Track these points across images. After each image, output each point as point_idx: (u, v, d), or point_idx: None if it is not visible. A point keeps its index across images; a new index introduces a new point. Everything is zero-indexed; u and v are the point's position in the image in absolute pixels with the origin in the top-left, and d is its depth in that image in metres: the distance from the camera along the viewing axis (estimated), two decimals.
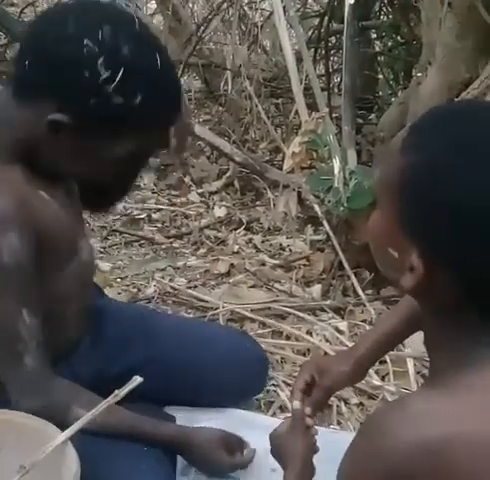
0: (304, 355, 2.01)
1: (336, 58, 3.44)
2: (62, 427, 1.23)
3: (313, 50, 3.19)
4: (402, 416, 0.77)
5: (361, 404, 1.82)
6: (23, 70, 1.23)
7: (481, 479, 0.73)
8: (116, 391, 1.22)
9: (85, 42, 1.16)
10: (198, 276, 2.43)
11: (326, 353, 1.97)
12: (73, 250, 1.41)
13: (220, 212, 2.87)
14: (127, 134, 1.26)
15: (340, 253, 2.26)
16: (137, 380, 1.23)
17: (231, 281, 2.36)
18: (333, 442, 1.24)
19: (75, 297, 1.45)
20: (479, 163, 0.75)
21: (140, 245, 2.66)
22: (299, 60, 2.52)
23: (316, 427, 1.28)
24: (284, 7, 2.38)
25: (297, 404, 1.27)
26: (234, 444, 1.49)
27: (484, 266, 0.76)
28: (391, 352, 1.67)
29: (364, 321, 2.14)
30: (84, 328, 1.54)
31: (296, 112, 2.50)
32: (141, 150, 1.32)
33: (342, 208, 2.05)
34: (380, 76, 3.54)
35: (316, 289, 2.29)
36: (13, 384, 1.31)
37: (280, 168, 2.72)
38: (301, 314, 2.16)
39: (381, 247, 0.85)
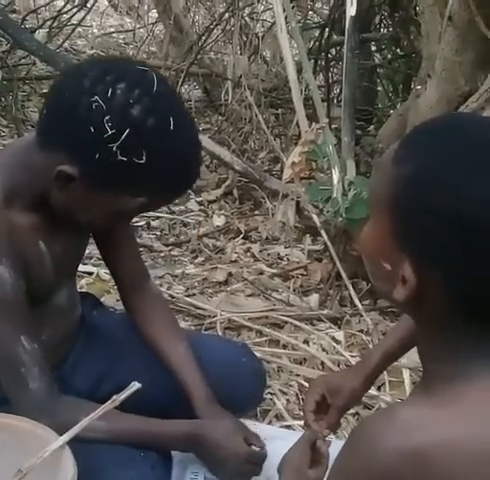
0: (301, 364, 2.01)
1: (336, 70, 3.46)
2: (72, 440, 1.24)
3: (313, 61, 3.21)
4: (390, 424, 0.77)
5: (357, 414, 1.83)
6: (42, 118, 1.27)
7: None
8: (114, 396, 1.23)
9: (95, 98, 1.18)
10: (196, 284, 2.43)
11: (323, 363, 1.98)
12: (46, 298, 1.43)
13: (219, 221, 2.88)
14: (137, 190, 1.27)
15: (338, 263, 2.26)
16: (135, 386, 1.24)
17: (229, 289, 2.37)
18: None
19: (45, 330, 1.45)
20: (471, 173, 0.76)
21: None
22: (299, 71, 2.54)
23: None
24: (286, 18, 2.40)
25: (327, 432, 1.28)
26: (251, 436, 1.44)
27: (478, 275, 0.76)
28: None
29: (361, 331, 2.15)
30: (62, 352, 1.56)
31: (296, 122, 2.52)
32: (154, 203, 1.34)
33: (340, 218, 2.06)
34: (379, 88, 3.57)
35: (313, 299, 2.30)
36: (22, 407, 1.33)
37: (279, 178, 2.74)
38: (298, 323, 2.17)
39: (374, 260, 0.85)
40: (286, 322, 2.18)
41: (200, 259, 2.62)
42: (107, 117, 1.17)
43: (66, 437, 1.22)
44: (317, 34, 3.36)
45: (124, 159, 1.19)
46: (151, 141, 1.20)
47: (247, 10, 3.68)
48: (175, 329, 1.64)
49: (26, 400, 1.32)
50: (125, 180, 1.23)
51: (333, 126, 2.60)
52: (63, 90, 1.24)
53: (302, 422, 1.34)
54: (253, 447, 1.41)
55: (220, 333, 2.11)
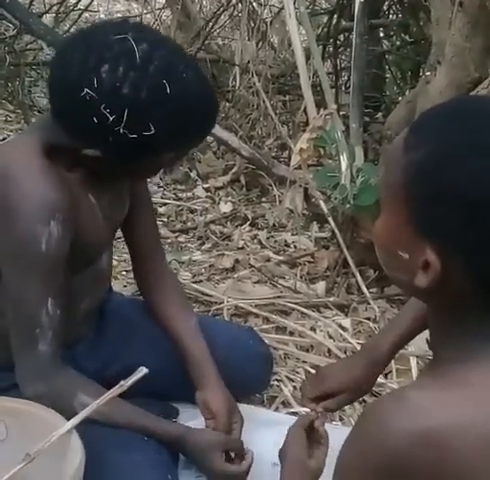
0: (307, 351, 2.02)
1: (344, 56, 3.44)
2: (65, 413, 1.25)
3: (321, 47, 3.19)
4: (400, 407, 0.77)
5: (363, 401, 1.82)
6: (51, 111, 1.29)
7: (477, 470, 0.74)
8: (122, 381, 1.23)
9: (85, 91, 1.18)
10: (203, 271, 2.43)
11: (330, 350, 1.98)
12: (96, 258, 1.46)
13: (226, 207, 2.88)
14: (162, 151, 1.29)
15: (345, 250, 2.26)
16: (142, 371, 1.24)
17: (236, 276, 2.37)
18: (334, 436, 1.25)
19: (87, 298, 1.48)
20: (483, 153, 0.75)
21: None
22: (307, 57, 2.52)
23: None
24: (294, 3, 2.38)
25: (320, 409, 1.29)
26: (234, 450, 1.46)
27: None
28: None
29: (368, 319, 2.15)
30: (89, 327, 1.56)
31: (304, 109, 2.51)
32: (186, 149, 1.39)
33: (348, 205, 2.05)
34: (388, 75, 3.55)
35: (320, 286, 2.29)
36: (23, 366, 1.34)
37: (286, 165, 2.72)
38: (305, 310, 2.16)
39: (390, 251, 0.84)
40: (293, 309, 2.18)
41: (207, 246, 2.61)
42: (103, 105, 1.19)
43: (74, 421, 1.23)
44: (325, 20, 3.34)
45: (135, 136, 1.21)
46: (152, 111, 1.21)
47: None
48: (186, 303, 1.67)
49: (30, 360, 1.33)
50: (145, 150, 1.25)
51: (341, 113, 2.58)
52: (56, 85, 1.26)
53: (308, 409, 1.34)
54: (233, 464, 1.43)
55: (227, 320, 2.11)
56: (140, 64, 1.20)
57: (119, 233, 1.64)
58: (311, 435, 1.22)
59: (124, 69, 1.19)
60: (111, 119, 1.19)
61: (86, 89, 1.18)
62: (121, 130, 1.20)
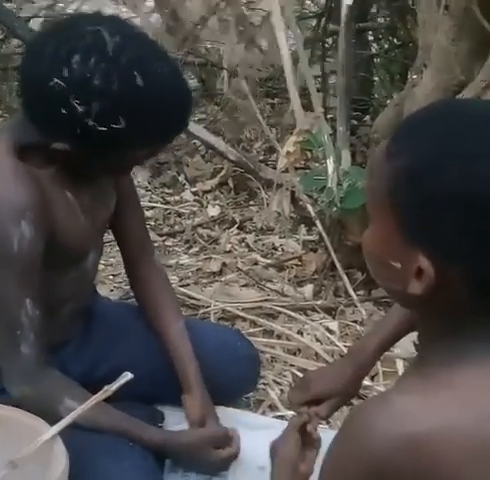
0: (295, 354, 2.01)
1: (332, 59, 3.44)
2: (50, 417, 1.24)
3: (309, 51, 3.19)
4: (385, 411, 0.77)
5: (350, 404, 1.82)
6: (20, 100, 1.27)
7: (464, 473, 0.74)
8: (106, 386, 1.23)
9: (55, 81, 1.17)
10: (190, 274, 2.43)
11: (317, 353, 1.98)
12: (81, 257, 1.44)
13: (213, 211, 2.87)
14: (134, 146, 1.27)
15: (332, 253, 2.26)
16: (127, 376, 1.24)
17: (223, 280, 2.37)
18: (322, 439, 1.25)
19: (71, 300, 1.47)
20: (470, 154, 0.75)
21: None
22: (295, 61, 2.52)
23: None
24: (282, 7, 2.38)
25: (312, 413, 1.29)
26: (220, 439, 1.50)
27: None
28: None
29: (355, 321, 2.15)
30: (75, 329, 1.56)
31: (291, 112, 2.51)
32: (159, 146, 1.35)
33: (335, 208, 2.06)
34: (376, 78, 3.55)
35: (308, 289, 2.29)
36: (7, 369, 1.34)
37: (274, 168, 2.72)
38: (292, 313, 2.16)
39: (382, 262, 0.83)
40: (280, 312, 2.18)
41: (194, 249, 2.61)
42: (72, 96, 1.17)
43: (58, 427, 1.22)
44: (313, 24, 3.34)
45: (104, 129, 1.19)
46: (123, 104, 1.19)
47: None
48: (175, 305, 1.66)
49: (15, 363, 1.32)
50: (116, 144, 1.23)
51: (329, 116, 2.59)
52: (26, 75, 1.25)
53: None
54: (224, 450, 1.48)
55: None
56: (112, 56, 1.18)
57: (106, 237, 1.63)
58: (303, 437, 1.23)
59: (95, 60, 1.17)
60: (80, 110, 1.17)
61: (56, 79, 1.17)
62: (90, 122, 1.18)
